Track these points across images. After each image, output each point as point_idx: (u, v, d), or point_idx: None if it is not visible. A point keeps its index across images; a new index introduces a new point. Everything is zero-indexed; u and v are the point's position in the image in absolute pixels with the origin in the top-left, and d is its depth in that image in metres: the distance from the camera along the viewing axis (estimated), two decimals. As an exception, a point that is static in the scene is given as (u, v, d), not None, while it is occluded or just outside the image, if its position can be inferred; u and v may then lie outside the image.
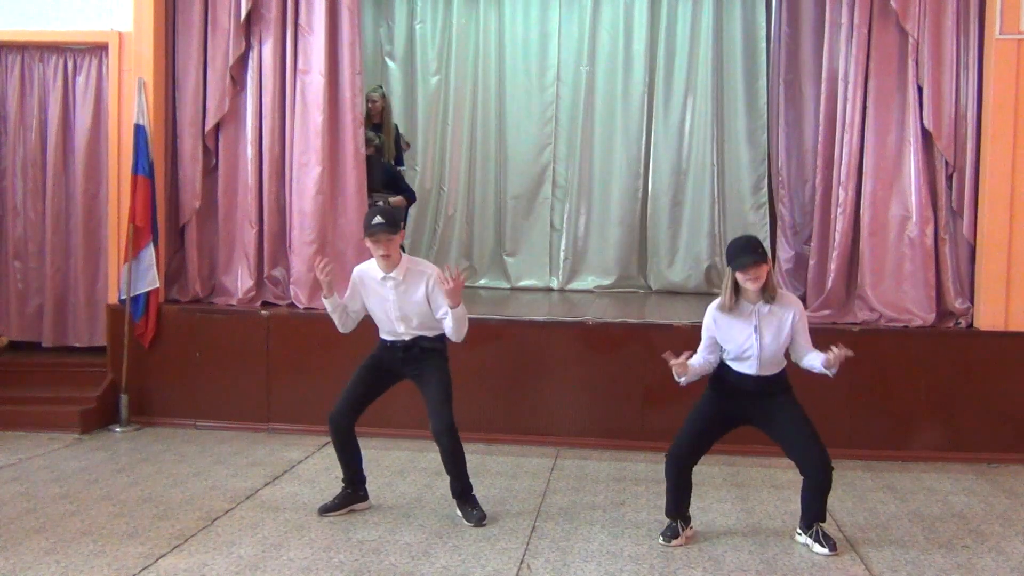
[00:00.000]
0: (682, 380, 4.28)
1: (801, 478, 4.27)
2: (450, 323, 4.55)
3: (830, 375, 4.23)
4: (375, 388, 4.78)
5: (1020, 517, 4.85)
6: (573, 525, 4.61)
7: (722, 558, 4.18)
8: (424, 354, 4.65)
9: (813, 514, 4.25)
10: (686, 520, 4.37)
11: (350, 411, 4.73)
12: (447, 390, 4.64)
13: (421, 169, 8.73)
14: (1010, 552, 4.33)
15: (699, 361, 4.31)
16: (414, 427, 5.76)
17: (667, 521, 4.37)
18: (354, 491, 4.79)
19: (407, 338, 4.65)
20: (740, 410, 4.28)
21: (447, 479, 4.67)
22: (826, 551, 4.17)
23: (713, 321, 4.25)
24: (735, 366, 4.22)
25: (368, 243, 4.56)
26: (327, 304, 4.71)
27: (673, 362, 4.18)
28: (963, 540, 4.49)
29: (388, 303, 4.61)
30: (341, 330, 4.82)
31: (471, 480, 4.73)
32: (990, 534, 4.58)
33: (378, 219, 4.48)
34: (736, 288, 4.14)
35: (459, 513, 4.67)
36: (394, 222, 4.54)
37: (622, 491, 5.21)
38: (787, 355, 4.33)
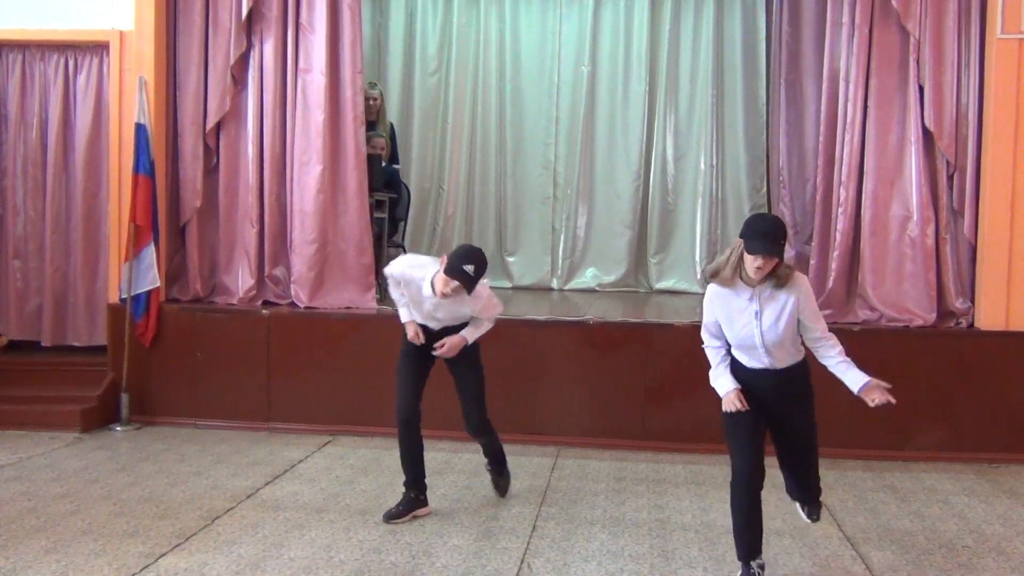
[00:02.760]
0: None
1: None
2: (474, 331, 4.70)
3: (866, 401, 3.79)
4: (423, 371, 4.73)
5: (1021, 517, 4.85)
6: (573, 524, 4.61)
7: (723, 558, 4.17)
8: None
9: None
10: (761, 564, 3.74)
11: (416, 402, 4.64)
12: (481, 388, 4.70)
13: (420, 168, 8.72)
14: (1011, 552, 4.32)
15: (720, 356, 3.84)
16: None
17: (738, 567, 3.76)
18: (417, 495, 4.67)
19: (437, 328, 4.64)
20: (761, 400, 3.75)
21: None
22: (808, 520, 4.09)
23: (711, 300, 3.79)
24: (744, 360, 3.78)
25: (440, 276, 4.31)
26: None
27: (731, 403, 3.68)
28: (964, 540, 4.49)
29: (426, 304, 4.56)
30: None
31: (504, 460, 5.00)
32: (991, 534, 4.58)
33: (468, 268, 4.25)
34: (739, 261, 3.64)
35: (490, 477, 5.02)
36: (477, 279, 4.34)
37: (622, 490, 5.21)
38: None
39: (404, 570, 3.96)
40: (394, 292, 4.73)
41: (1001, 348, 5.98)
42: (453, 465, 5.56)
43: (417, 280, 4.52)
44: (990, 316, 6.04)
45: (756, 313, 3.66)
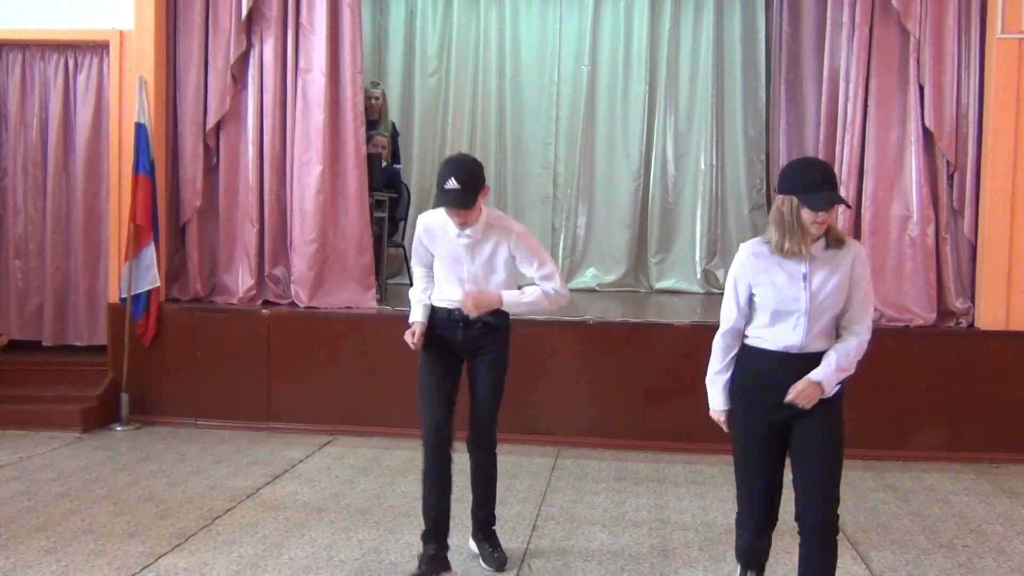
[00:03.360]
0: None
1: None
2: (534, 300, 3.81)
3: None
4: (451, 378, 3.92)
5: (1021, 517, 4.85)
6: (574, 524, 4.61)
7: (723, 557, 4.17)
8: (484, 334, 3.87)
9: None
10: None
11: (447, 413, 3.83)
12: (498, 392, 3.92)
13: (420, 168, 8.72)
14: (1011, 552, 4.32)
15: (726, 356, 3.25)
16: (414, 426, 5.75)
17: (738, 567, 3.50)
18: (438, 550, 3.81)
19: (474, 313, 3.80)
20: (782, 413, 3.13)
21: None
22: None
23: (749, 264, 3.14)
24: (768, 337, 3.12)
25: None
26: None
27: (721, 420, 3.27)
28: (964, 540, 4.48)
29: (460, 259, 3.81)
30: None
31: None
32: (991, 534, 4.58)
33: (452, 184, 3.55)
34: (798, 225, 3.02)
35: (474, 550, 4.07)
36: (473, 187, 3.62)
37: (623, 490, 5.21)
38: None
39: (404, 570, 3.96)
40: (419, 276, 4.03)
41: (1001, 348, 5.98)
42: (453, 465, 5.56)
43: (437, 223, 3.84)
44: (990, 316, 6.04)
45: (804, 275, 3.07)
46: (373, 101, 7.35)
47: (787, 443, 3.19)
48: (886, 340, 6.07)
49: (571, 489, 5.22)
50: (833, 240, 3.09)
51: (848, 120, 6.27)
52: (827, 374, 3.09)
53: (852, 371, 3.17)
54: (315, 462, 5.69)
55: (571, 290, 8.36)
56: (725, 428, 3.28)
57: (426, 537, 3.84)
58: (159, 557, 4.04)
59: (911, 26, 6.08)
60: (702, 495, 5.12)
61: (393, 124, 7.90)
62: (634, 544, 4.33)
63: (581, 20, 8.66)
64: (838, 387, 3.19)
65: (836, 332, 3.17)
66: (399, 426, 6.07)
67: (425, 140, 8.78)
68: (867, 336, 3.17)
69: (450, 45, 8.80)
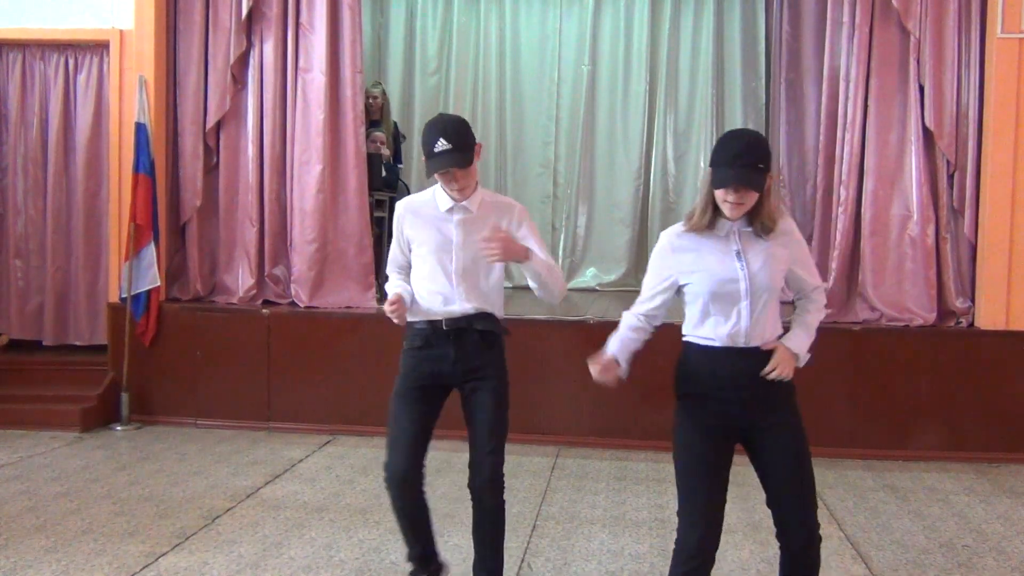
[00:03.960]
0: (619, 372, 2.97)
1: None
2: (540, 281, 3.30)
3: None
4: (430, 415, 3.36)
5: (1021, 516, 4.85)
6: (574, 524, 4.61)
7: (722, 557, 4.15)
8: (483, 348, 3.32)
9: None
10: None
11: (416, 459, 3.30)
12: (504, 423, 3.35)
13: (420, 168, 8.71)
14: (1011, 552, 4.32)
15: (631, 325, 2.96)
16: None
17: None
18: (428, 563, 3.48)
19: (459, 313, 3.28)
20: (727, 417, 2.81)
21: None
22: None
23: (669, 247, 2.86)
24: (711, 327, 2.80)
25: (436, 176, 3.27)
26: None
27: (593, 363, 2.92)
28: (964, 540, 4.48)
29: (450, 246, 3.28)
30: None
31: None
32: (991, 534, 4.57)
33: (442, 144, 3.11)
34: (714, 205, 2.77)
35: None
36: (465, 144, 3.17)
37: (622, 490, 5.21)
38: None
39: (404, 570, 3.95)
40: (394, 277, 3.49)
41: (1001, 347, 5.98)
42: (453, 464, 5.55)
43: (423, 202, 3.38)
44: (990, 315, 6.04)
45: (738, 253, 2.77)
46: (372, 100, 7.34)
47: (731, 457, 2.85)
48: (886, 340, 6.09)
49: (571, 489, 5.22)
50: (759, 227, 2.78)
51: (848, 120, 6.27)
52: (800, 340, 2.86)
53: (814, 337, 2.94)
54: (315, 462, 5.69)
55: (572, 290, 8.52)
56: (602, 375, 2.88)
57: (412, 560, 3.49)
58: (159, 557, 4.04)
59: (911, 26, 6.08)
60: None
61: (395, 124, 7.90)
62: (634, 544, 4.33)
63: (581, 20, 8.66)
64: (807, 357, 2.89)
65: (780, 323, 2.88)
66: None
67: (424, 139, 8.76)
68: (823, 297, 2.99)
69: (450, 45, 8.80)
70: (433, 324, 3.30)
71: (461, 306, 3.29)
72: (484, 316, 3.32)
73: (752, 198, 2.72)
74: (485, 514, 3.35)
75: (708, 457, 2.80)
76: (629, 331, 2.96)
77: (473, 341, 3.30)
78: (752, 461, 2.89)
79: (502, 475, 3.31)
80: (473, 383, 3.31)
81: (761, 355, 2.78)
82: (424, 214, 3.34)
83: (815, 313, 2.95)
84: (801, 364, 2.86)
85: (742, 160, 2.66)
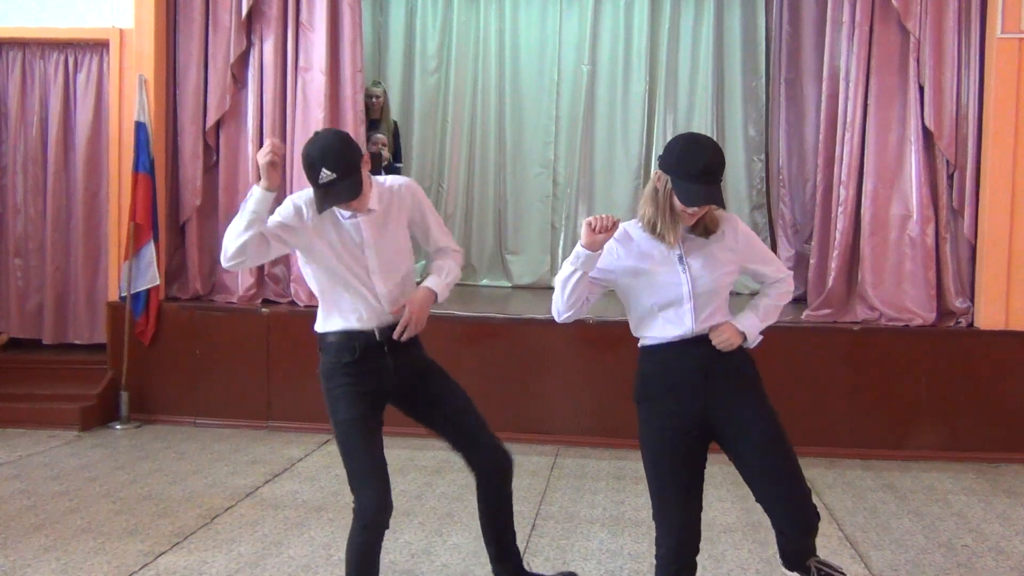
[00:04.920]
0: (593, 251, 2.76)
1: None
2: (440, 277, 3.13)
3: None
4: (379, 436, 3.14)
5: (1020, 516, 4.85)
6: (573, 523, 4.61)
7: (721, 556, 4.17)
8: (414, 345, 3.16)
9: (801, 553, 2.87)
10: None
11: (386, 490, 3.03)
12: (468, 399, 3.25)
13: (420, 167, 8.71)
14: (1010, 551, 4.32)
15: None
16: (410, 424, 5.75)
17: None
18: None
19: (389, 319, 3.05)
20: (693, 416, 2.81)
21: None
22: None
23: (621, 241, 2.83)
24: (663, 329, 2.81)
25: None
26: (251, 205, 3.00)
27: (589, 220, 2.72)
28: (963, 539, 4.48)
29: (360, 251, 3.03)
30: (234, 258, 3.00)
31: None
32: (990, 533, 4.57)
33: (326, 175, 2.84)
34: (669, 208, 2.72)
35: None
36: (352, 168, 2.88)
37: (621, 489, 5.21)
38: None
39: (403, 568, 3.96)
40: (265, 231, 3.02)
41: (1001, 347, 5.98)
42: (452, 463, 5.55)
43: (301, 208, 3.03)
44: (989, 315, 6.03)
45: (680, 257, 2.79)
46: (374, 100, 7.35)
47: (703, 458, 2.85)
48: (886, 340, 6.09)
49: (570, 488, 5.22)
50: (702, 231, 2.79)
51: (848, 120, 6.27)
52: (749, 320, 2.85)
53: (776, 317, 2.95)
54: (314, 461, 5.69)
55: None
56: (606, 224, 2.70)
57: None
58: (158, 556, 4.04)
59: (911, 26, 6.08)
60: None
61: (395, 123, 7.90)
62: (633, 543, 4.32)
63: (581, 19, 8.65)
64: (750, 363, 2.88)
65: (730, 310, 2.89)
66: (397, 425, 6.04)
67: (425, 139, 8.77)
68: (788, 284, 2.98)
69: (450, 44, 8.79)
70: (364, 334, 3.04)
71: (381, 313, 3.05)
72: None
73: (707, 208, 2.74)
74: (503, 496, 3.22)
75: (675, 464, 2.81)
76: (581, 287, 2.90)
77: (406, 345, 3.09)
78: (729, 456, 2.87)
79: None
80: (419, 379, 3.17)
81: (711, 342, 2.80)
82: (318, 220, 3.02)
83: (774, 298, 2.95)
84: (750, 344, 2.87)
85: (713, 177, 2.66)
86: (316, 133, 3.07)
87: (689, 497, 2.81)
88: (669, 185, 2.70)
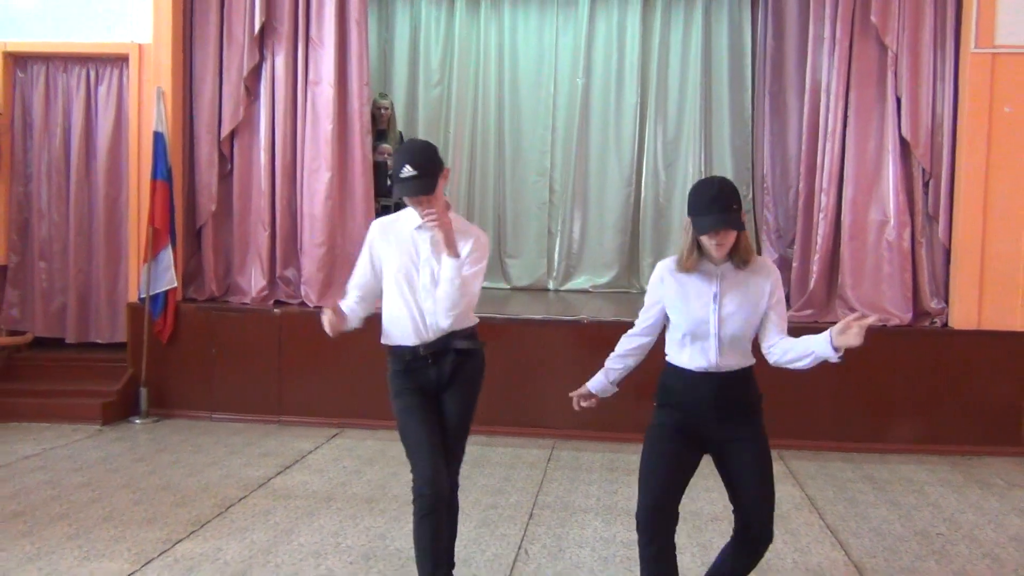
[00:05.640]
0: (592, 402, 3.30)
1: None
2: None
3: (836, 360, 2.88)
4: (435, 421, 3.23)
5: (992, 506, 4.87)
6: (568, 512, 4.62)
7: (709, 544, 4.19)
8: (464, 363, 3.27)
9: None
10: None
11: (440, 461, 3.13)
12: (465, 424, 3.30)
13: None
14: (982, 539, 4.34)
15: (619, 353, 3.22)
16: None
17: None
18: None
19: (434, 336, 3.17)
20: (697, 430, 2.96)
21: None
22: None
23: (661, 280, 3.01)
24: (687, 357, 2.96)
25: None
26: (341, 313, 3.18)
27: (575, 394, 3.25)
28: (938, 528, 4.50)
29: (420, 263, 3.15)
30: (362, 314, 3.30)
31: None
32: (964, 522, 4.59)
33: (408, 171, 3.01)
34: (698, 245, 2.91)
35: None
36: (431, 171, 3.05)
37: (615, 480, 5.23)
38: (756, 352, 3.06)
39: (408, 555, 3.96)
40: (357, 278, 3.28)
41: (974, 346, 6.00)
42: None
43: (393, 222, 3.27)
44: (963, 316, 6.06)
45: (715, 296, 2.91)
46: (383, 111, 7.37)
47: (695, 462, 2.99)
48: (865, 339, 6.09)
49: (566, 479, 5.24)
50: (739, 260, 2.90)
51: (829, 130, 6.29)
52: (816, 336, 2.87)
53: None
54: (323, 453, 5.70)
55: (567, 291, 8.52)
56: (577, 404, 3.20)
57: None
58: (176, 543, 4.05)
59: (889, 41, 6.10)
60: (690, 485, 5.11)
61: (400, 133, 7.91)
62: (625, 531, 4.34)
63: (576, 35, 8.66)
64: (756, 394, 3.01)
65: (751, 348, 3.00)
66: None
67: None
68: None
69: (452, 58, 8.80)
70: (412, 349, 3.18)
71: (428, 331, 3.16)
72: (459, 333, 3.21)
73: (732, 237, 2.85)
74: (453, 516, 3.39)
75: (670, 449, 2.94)
76: (616, 359, 3.22)
77: (451, 361, 3.22)
78: (719, 470, 3.03)
79: (457, 483, 3.37)
80: (452, 388, 3.26)
81: (732, 378, 2.94)
82: (394, 230, 3.23)
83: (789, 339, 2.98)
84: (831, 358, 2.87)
85: (718, 205, 2.79)
86: (411, 139, 3.26)
87: (672, 483, 2.94)
88: (691, 226, 2.88)
